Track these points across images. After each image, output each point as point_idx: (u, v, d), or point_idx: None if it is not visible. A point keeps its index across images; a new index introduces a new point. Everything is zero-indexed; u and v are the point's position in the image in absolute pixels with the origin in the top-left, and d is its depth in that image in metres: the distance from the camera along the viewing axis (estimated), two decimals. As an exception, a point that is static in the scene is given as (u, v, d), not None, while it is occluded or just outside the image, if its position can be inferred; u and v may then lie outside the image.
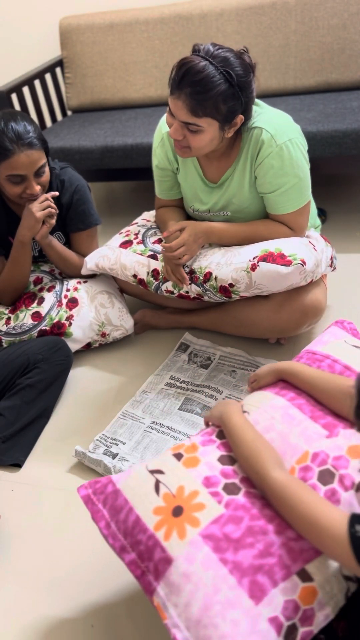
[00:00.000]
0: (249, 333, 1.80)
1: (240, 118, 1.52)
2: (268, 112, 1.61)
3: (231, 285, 1.63)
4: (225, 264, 1.63)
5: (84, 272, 1.88)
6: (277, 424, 1.06)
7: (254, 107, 1.60)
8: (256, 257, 1.59)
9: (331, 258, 1.78)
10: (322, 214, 2.45)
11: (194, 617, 0.88)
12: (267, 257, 1.57)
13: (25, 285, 1.85)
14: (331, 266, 1.80)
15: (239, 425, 1.03)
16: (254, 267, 1.58)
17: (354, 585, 0.92)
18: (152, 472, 1.04)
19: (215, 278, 1.64)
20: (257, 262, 1.58)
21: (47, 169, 1.70)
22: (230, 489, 0.98)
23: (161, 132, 1.75)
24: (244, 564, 0.90)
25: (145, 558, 0.96)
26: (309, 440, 1.02)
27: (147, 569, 0.95)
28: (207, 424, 1.17)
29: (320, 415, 1.06)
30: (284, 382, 1.16)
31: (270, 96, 2.63)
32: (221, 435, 1.09)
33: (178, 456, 1.06)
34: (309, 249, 1.63)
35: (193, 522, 0.95)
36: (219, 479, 1.00)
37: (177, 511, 0.97)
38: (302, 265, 1.55)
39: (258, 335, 1.80)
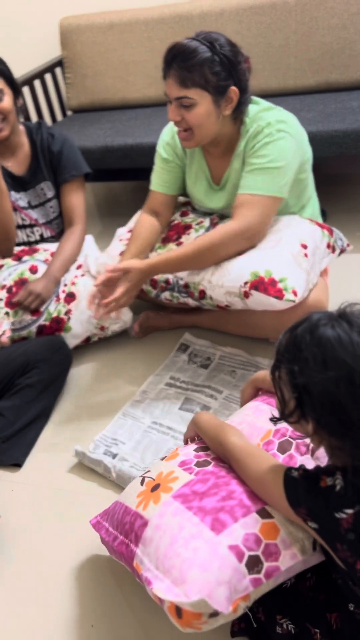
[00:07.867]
0: (251, 332, 1.80)
1: (234, 91, 1.52)
2: (273, 110, 1.62)
3: (227, 306, 1.64)
4: (217, 285, 1.62)
5: (93, 272, 1.89)
6: (248, 417, 1.18)
7: (254, 106, 1.61)
8: (247, 282, 1.56)
9: (329, 245, 1.73)
10: (322, 214, 2.44)
11: (162, 554, 0.96)
12: (259, 285, 1.55)
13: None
14: (333, 252, 1.76)
15: (207, 418, 1.16)
16: (246, 295, 1.57)
17: None
18: (142, 475, 1.16)
19: (210, 297, 1.65)
20: (249, 290, 1.56)
21: (7, 98, 1.76)
22: (201, 463, 1.09)
23: (172, 129, 1.77)
24: (207, 506, 0.99)
25: (129, 532, 1.05)
26: None
27: (130, 540, 1.04)
28: (185, 442, 1.26)
29: None
30: (263, 390, 1.27)
31: (270, 96, 2.59)
32: (200, 440, 1.20)
33: (163, 458, 1.18)
34: (298, 264, 1.58)
35: (167, 490, 1.06)
36: (193, 460, 1.11)
37: (155, 487, 1.08)
38: (294, 300, 1.53)
39: (259, 335, 1.80)
